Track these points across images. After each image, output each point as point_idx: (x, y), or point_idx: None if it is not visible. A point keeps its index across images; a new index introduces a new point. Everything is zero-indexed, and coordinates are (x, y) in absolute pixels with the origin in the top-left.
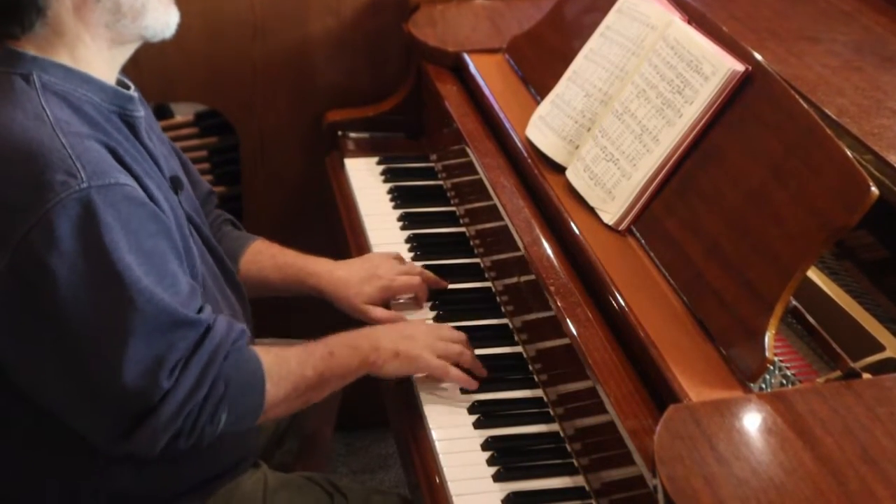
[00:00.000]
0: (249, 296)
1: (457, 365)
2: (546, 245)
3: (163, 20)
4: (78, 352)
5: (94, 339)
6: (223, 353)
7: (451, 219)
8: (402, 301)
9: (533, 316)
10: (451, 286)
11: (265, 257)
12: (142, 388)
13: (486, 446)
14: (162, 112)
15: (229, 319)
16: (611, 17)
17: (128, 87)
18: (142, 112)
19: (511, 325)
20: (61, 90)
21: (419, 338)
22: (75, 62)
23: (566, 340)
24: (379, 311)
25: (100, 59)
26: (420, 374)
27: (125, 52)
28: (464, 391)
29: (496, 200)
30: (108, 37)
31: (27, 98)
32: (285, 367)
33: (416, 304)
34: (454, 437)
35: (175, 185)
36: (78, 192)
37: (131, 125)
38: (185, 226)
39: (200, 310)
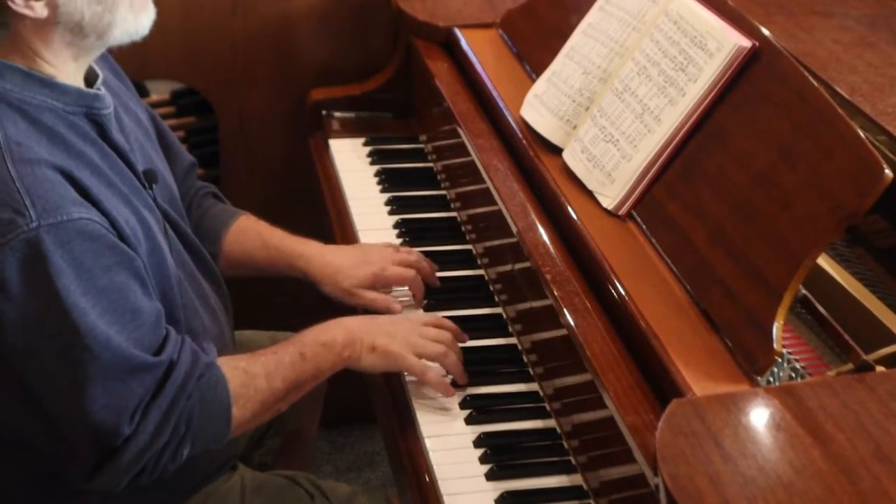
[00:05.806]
0: (232, 275)
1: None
2: (542, 231)
3: (132, 29)
4: (37, 391)
5: (49, 383)
6: (186, 394)
7: (441, 203)
8: (399, 299)
9: (528, 305)
10: (441, 274)
11: (251, 235)
12: (103, 431)
13: (478, 443)
14: (136, 91)
15: (195, 350)
16: None
17: (96, 77)
18: (110, 107)
19: (505, 315)
20: (17, 99)
21: (399, 334)
22: (35, 68)
23: (563, 331)
24: (371, 293)
25: (64, 69)
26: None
27: (91, 58)
28: (455, 384)
29: (489, 184)
30: (71, 52)
31: None
32: (252, 385)
33: (414, 303)
34: (445, 433)
35: (149, 178)
36: (26, 233)
37: (99, 124)
38: (158, 227)
39: (165, 339)
